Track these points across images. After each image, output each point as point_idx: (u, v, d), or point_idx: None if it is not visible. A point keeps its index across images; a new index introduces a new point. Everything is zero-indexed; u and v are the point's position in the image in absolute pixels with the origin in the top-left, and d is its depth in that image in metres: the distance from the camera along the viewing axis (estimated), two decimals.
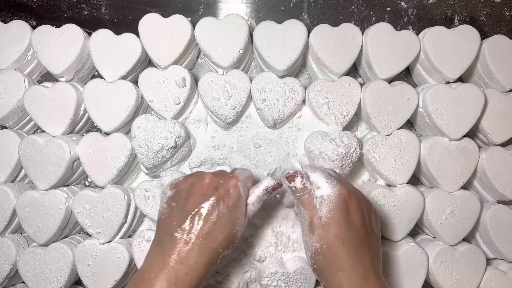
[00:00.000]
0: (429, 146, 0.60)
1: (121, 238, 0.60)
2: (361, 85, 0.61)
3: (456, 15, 0.68)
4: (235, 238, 0.46)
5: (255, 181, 0.51)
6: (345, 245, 0.43)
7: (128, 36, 0.61)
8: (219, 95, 0.58)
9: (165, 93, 0.59)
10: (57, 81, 0.63)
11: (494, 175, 0.60)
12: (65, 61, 0.61)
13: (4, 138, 0.61)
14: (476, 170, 0.61)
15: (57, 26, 0.62)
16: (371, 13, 0.68)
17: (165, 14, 0.61)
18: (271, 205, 0.59)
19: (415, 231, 0.66)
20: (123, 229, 0.60)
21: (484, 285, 0.60)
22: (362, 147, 0.59)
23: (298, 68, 0.67)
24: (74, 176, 0.63)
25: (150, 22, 0.60)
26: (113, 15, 0.68)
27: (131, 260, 0.58)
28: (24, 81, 0.61)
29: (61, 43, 0.61)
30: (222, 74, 0.60)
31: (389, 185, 0.61)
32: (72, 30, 0.61)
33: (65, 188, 0.61)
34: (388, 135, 0.60)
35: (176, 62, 0.60)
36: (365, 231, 0.45)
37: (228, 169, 0.55)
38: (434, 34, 0.61)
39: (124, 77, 0.61)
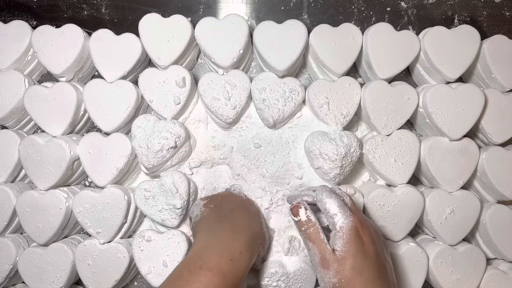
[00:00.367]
0: (429, 146, 0.60)
1: (121, 238, 0.60)
2: (361, 85, 0.61)
3: (456, 15, 0.68)
4: (264, 237, 0.52)
5: None
6: (363, 277, 0.42)
7: (128, 36, 0.61)
8: (219, 95, 0.58)
9: (165, 93, 0.59)
10: (57, 81, 0.63)
11: (494, 175, 0.60)
12: (65, 61, 0.61)
13: (4, 138, 0.61)
14: (476, 170, 0.61)
15: (57, 26, 0.62)
16: (371, 13, 0.68)
17: (165, 14, 0.61)
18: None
19: (415, 231, 0.66)
20: (123, 229, 0.60)
21: (484, 285, 0.60)
22: (362, 147, 0.59)
23: (298, 68, 0.67)
24: (74, 176, 0.63)
25: (150, 22, 0.60)
26: (113, 15, 0.68)
27: (131, 260, 0.58)
28: (24, 81, 0.61)
29: (61, 43, 0.61)
30: (222, 74, 0.60)
31: (389, 185, 0.61)
32: (72, 30, 0.61)
33: (65, 188, 0.61)
34: (388, 135, 0.60)
35: (176, 62, 0.60)
36: (380, 261, 0.45)
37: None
38: (434, 34, 0.61)
39: (124, 77, 0.61)
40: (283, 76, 0.60)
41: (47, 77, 0.68)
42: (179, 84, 0.59)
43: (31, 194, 0.59)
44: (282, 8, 0.69)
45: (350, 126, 0.64)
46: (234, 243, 0.44)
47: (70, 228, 0.62)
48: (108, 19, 0.68)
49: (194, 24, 0.60)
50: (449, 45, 0.60)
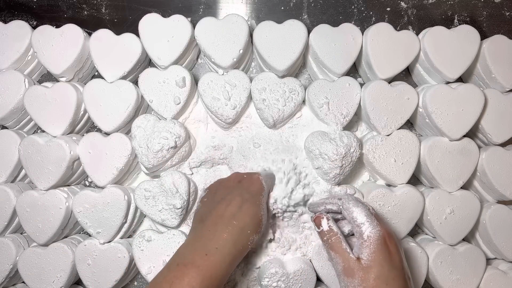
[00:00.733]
0: (429, 146, 0.60)
1: (121, 238, 0.60)
2: (361, 85, 0.61)
3: (456, 15, 0.68)
4: (260, 222, 0.49)
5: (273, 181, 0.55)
6: (389, 286, 0.43)
7: (128, 36, 0.61)
8: (219, 95, 0.58)
9: (165, 93, 0.59)
10: (57, 81, 0.63)
11: (494, 175, 0.60)
12: (65, 61, 0.61)
13: (4, 138, 0.61)
14: (476, 170, 0.62)
15: (57, 26, 0.62)
16: (371, 13, 0.68)
17: (165, 14, 0.61)
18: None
19: (415, 231, 0.66)
20: (123, 229, 0.60)
21: (484, 285, 0.60)
22: (362, 147, 0.59)
23: (298, 68, 0.67)
24: (74, 176, 0.63)
25: (150, 22, 0.60)
26: (113, 15, 0.68)
27: (131, 260, 0.58)
28: (24, 81, 0.62)
29: (61, 43, 0.61)
30: (222, 74, 0.60)
31: (389, 185, 0.61)
32: (72, 30, 0.61)
33: (65, 188, 0.61)
34: (388, 135, 0.60)
35: (176, 62, 0.60)
36: (406, 272, 0.45)
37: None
38: (434, 34, 0.61)
39: (124, 77, 0.61)
40: (283, 76, 0.60)
41: (47, 77, 0.68)
42: (179, 84, 0.59)
43: (31, 194, 0.59)
44: (282, 8, 0.69)
45: (350, 126, 0.64)
46: (210, 241, 0.45)
47: (70, 228, 0.62)
48: (108, 19, 0.68)
49: (194, 24, 0.60)
50: (449, 45, 0.60)
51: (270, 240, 0.58)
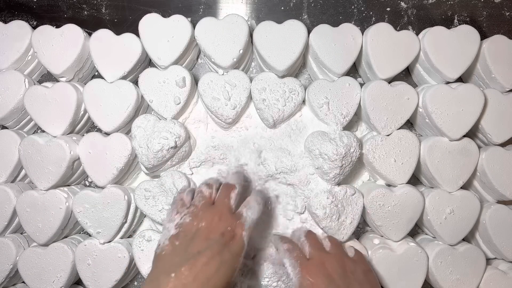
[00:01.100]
0: (429, 146, 0.60)
1: (121, 238, 0.60)
2: (361, 85, 0.61)
3: (456, 15, 0.68)
4: (230, 286, 0.44)
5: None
6: None
7: (128, 36, 0.61)
8: (219, 95, 0.58)
9: (165, 93, 0.59)
10: (57, 81, 0.63)
11: (494, 175, 0.60)
12: (65, 61, 0.61)
13: (4, 138, 0.61)
14: (476, 170, 0.62)
15: (57, 26, 0.62)
16: (371, 13, 0.68)
17: (165, 14, 0.61)
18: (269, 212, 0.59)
19: (415, 231, 0.66)
20: (123, 229, 0.60)
21: (484, 285, 0.60)
22: (362, 147, 0.59)
23: (298, 68, 0.67)
24: (74, 176, 0.63)
25: (150, 22, 0.60)
26: (113, 15, 0.68)
27: (131, 260, 0.58)
28: (24, 81, 0.62)
29: (61, 43, 0.61)
30: (222, 74, 0.60)
31: (389, 185, 0.61)
32: (72, 30, 0.61)
33: (65, 188, 0.61)
34: (388, 135, 0.60)
35: (176, 62, 0.60)
36: None
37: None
38: (434, 34, 0.61)
39: (124, 77, 0.61)
40: (283, 76, 0.60)
41: (47, 77, 0.69)
42: (179, 84, 0.59)
43: (31, 194, 0.59)
44: (282, 8, 0.69)
45: (350, 126, 0.64)
46: None
47: (70, 228, 0.62)
48: (108, 19, 0.69)
49: (194, 24, 0.60)
50: (449, 45, 0.60)
51: None
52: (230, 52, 0.59)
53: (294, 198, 0.59)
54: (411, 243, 0.59)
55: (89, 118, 0.63)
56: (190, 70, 0.66)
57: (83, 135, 0.60)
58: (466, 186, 0.63)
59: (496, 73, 0.61)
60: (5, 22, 0.64)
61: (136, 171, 0.64)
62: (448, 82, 0.62)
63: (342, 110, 0.59)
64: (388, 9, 0.68)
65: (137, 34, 0.61)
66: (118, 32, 0.62)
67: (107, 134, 0.60)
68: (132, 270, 0.61)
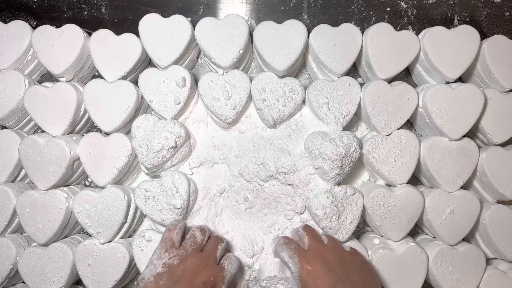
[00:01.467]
0: (429, 146, 0.60)
1: (121, 238, 0.60)
2: (361, 85, 0.61)
3: (456, 15, 0.68)
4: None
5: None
6: None
7: (128, 36, 0.61)
8: (219, 95, 0.58)
9: (165, 93, 0.59)
10: (57, 81, 0.63)
11: (494, 175, 0.60)
12: (65, 61, 0.61)
13: (4, 138, 0.61)
14: (476, 170, 0.62)
15: (57, 26, 0.62)
16: (371, 13, 0.68)
17: (165, 14, 0.61)
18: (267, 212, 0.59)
19: (415, 231, 0.66)
20: (123, 229, 0.60)
21: (484, 285, 0.60)
22: (362, 147, 0.59)
23: (298, 68, 0.67)
24: (74, 176, 0.63)
25: (150, 22, 0.60)
26: (113, 15, 0.68)
27: (131, 260, 0.58)
28: (24, 81, 0.62)
29: (61, 43, 0.61)
30: (222, 74, 0.60)
31: (389, 185, 0.61)
32: (72, 30, 0.62)
33: (65, 188, 0.61)
34: (388, 135, 0.60)
35: (176, 62, 0.60)
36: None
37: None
38: (434, 34, 0.61)
39: (124, 77, 0.61)
40: (283, 76, 0.60)
41: (47, 77, 0.69)
42: (179, 84, 0.59)
43: (31, 194, 0.59)
44: (282, 8, 0.69)
45: (350, 126, 0.64)
46: None
47: (70, 228, 0.62)
48: (108, 19, 0.69)
49: (194, 24, 0.60)
50: (448, 45, 0.60)
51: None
52: (230, 52, 0.59)
53: (294, 198, 0.59)
54: (411, 243, 0.59)
55: (89, 118, 0.63)
56: (190, 70, 0.66)
57: (83, 135, 0.60)
58: (466, 186, 0.63)
59: (496, 73, 0.61)
60: (5, 22, 0.64)
61: (136, 171, 0.64)
62: (448, 82, 0.62)
63: (342, 110, 0.59)
64: (388, 9, 0.68)
65: (137, 34, 0.61)
66: (118, 32, 0.62)
67: (107, 134, 0.60)
68: (132, 270, 0.61)
